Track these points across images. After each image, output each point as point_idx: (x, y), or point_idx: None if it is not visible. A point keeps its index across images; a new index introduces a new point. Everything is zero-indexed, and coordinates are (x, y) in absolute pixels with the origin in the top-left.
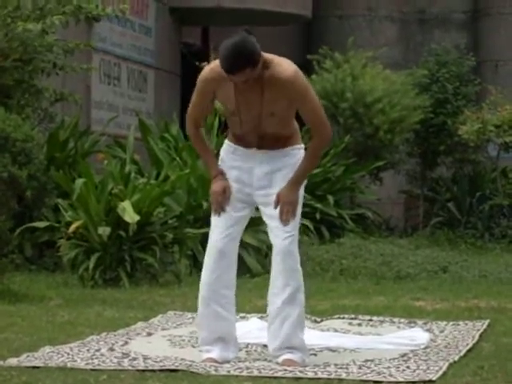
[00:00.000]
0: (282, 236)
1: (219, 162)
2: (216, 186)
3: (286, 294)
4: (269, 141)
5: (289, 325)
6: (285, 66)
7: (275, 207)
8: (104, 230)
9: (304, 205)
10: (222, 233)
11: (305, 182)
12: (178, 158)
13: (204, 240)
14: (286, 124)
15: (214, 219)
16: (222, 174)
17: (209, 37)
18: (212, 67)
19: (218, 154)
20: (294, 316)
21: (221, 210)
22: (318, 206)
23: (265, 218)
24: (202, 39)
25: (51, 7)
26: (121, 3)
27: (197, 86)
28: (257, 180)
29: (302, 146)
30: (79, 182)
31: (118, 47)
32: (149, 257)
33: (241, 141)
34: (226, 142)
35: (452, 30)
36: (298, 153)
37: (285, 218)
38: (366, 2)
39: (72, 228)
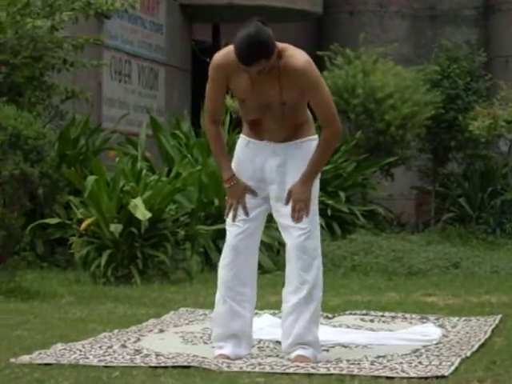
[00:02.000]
0: (296, 233)
1: (234, 158)
2: (235, 191)
3: (304, 292)
4: (281, 130)
5: (303, 321)
6: (298, 56)
7: (286, 203)
8: (116, 227)
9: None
10: (237, 230)
11: (319, 176)
12: (189, 155)
13: (216, 237)
14: (299, 113)
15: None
16: (234, 176)
17: (220, 34)
18: (224, 53)
19: (229, 151)
20: (309, 312)
21: (236, 216)
22: (330, 202)
23: (276, 215)
24: (213, 36)
25: (60, 3)
26: None
27: (209, 74)
28: (269, 173)
29: (316, 137)
30: (91, 179)
31: (128, 44)
32: (160, 254)
33: (253, 131)
34: (241, 135)
35: (463, 25)
36: (310, 144)
37: (296, 216)
38: None
39: (84, 225)
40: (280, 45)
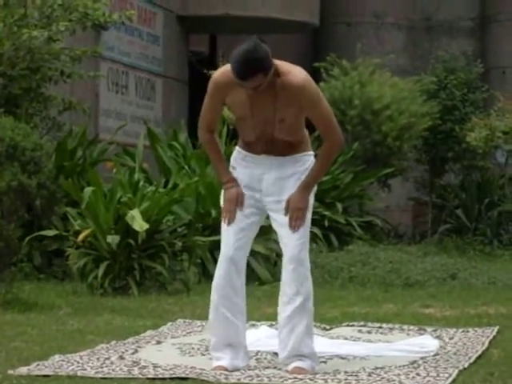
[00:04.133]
0: (293, 244)
1: (230, 168)
2: (229, 194)
3: (297, 302)
4: (278, 147)
5: (298, 333)
6: (296, 73)
7: (285, 214)
8: (113, 239)
9: (313, 212)
10: (232, 239)
11: (315, 188)
12: (186, 166)
13: (213, 248)
14: (296, 130)
15: (224, 226)
16: (233, 180)
17: (217, 45)
18: (223, 71)
19: (227, 161)
20: (303, 324)
21: (231, 219)
22: (327, 213)
23: (274, 225)
24: (210, 47)
25: (57, 15)
26: (128, 11)
27: (208, 90)
28: (266, 186)
29: (312, 153)
30: (88, 190)
31: (125, 56)
32: (158, 265)
33: (250, 146)
34: (237, 148)
35: (459, 36)
36: (308, 159)
37: (294, 225)
38: (373, 9)
39: (81, 237)
40: (277, 62)
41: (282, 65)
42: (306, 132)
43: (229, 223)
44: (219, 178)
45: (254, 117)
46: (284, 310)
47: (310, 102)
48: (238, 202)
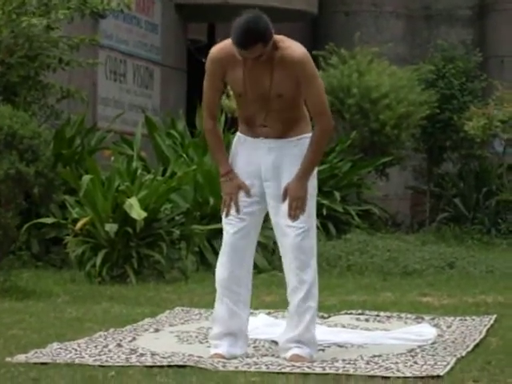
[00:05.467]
0: (293, 233)
1: (230, 156)
2: (228, 187)
3: (303, 291)
4: (277, 124)
5: (305, 322)
6: (295, 48)
7: (282, 201)
8: (111, 227)
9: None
10: (232, 228)
11: (315, 175)
12: (184, 155)
13: (211, 236)
14: (294, 107)
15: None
16: (231, 172)
17: (215, 33)
18: (221, 47)
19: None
20: (309, 312)
21: (230, 213)
22: (325, 202)
23: (272, 213)
24: (209, 36)
25: (56, 3)
26: None
27: (206, 69)
28: (265, 170)
29: (311, 134)
30: (86, 178)
31: (124, 44)
32: (156, 253)
33: (249, 125)
34: (237, 133)
35: (458, 25)
36: (306, 141)
37: (293, 214)
38: None
39: (79, 225)
40: (277, 36)
41: (281, 39)
42: (306, 113)
43: (226, 216)
44: (219, 167)
45: (252, 92)
46: (292, 299)
47: (306, 77)
48: (238, 192)
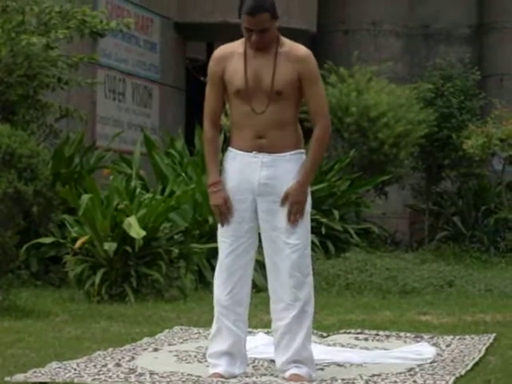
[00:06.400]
0: (289, 250)
1: (222, 172)
2: (216, 199)
3: (296, 309)
4: (270, 133)
5: (299, 339)
6: (301, 46)
7: (281, 204)
8: (110, 246)
9: (310, 219)
10: (229, 247)
11: (310, 194)
12: (183, 174)
13: (210, 255)
14: (290, 107)
15: (220, 234)
16: (219, 184)
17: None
18: (222, 46)
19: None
20: (303, 331)
21: (227, 220)
22: (324, 220)
23: (265, 228)
24: (208, 55)
25: (55, 22)
26: (125, 18)
27: (208, 73)
28: (258, 186)
29: (304, 150)
30: (85, 197)
31: (123, 63)
32: (154, 272)
33: (242, 132)
34: (229, 148)
35: (456, 44)
36: (299, 157)
37: (293, 219)
38: (370, 16)
39: (78, 243)
40: (283, 37)
41: (286, 39)
42: (300, 130)
43: (227, 223)
44: (207, 175)
45: (251, 85)
46: (283, 317)
47: (310, 75)
48: (227, 205)
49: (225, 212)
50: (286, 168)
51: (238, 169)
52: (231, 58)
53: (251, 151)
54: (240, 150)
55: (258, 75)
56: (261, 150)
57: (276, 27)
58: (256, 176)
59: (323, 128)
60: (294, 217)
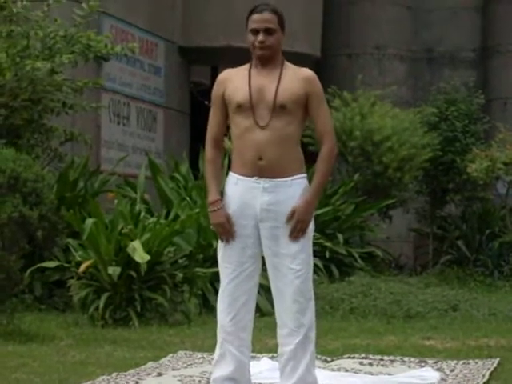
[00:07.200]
0: (292, 275)
1: (223, 196)
2: (217, 217)
3: (301, 335)
4: (272, 154)
5: (304, 365)
6: (306, 69)
7: (287, 222)
8: (114, 270)
9: (314, 243)
10: (232, 273)
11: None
12: (187, 198)
13: (214, 279)
14: (293, 123)
15: (222, 259)
16: (219, 203)
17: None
18: (225, 71)
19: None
20: (308, 355)
21: (232, 236)
22: (328, 244)
23: (268, 253)
24: (212, 78)
25: (60, 46)
26: (130, 42)
27: (212, 96)
28: (260, 211)
29: (305, 175)
30: (89, 221)
31: (127, 87)
32: (159, 296)
33: (243, 154)
34: (230, 173)
35: (461, 68)
36: (301, 182)
37: (295, 236)
38: (374, 40)
39: (82, 268)
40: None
41: (290, 64)
42: (301, 152)
43: (232, 239)
44: (207, 193)
45: (254, 100)
46: (287, 342)
47: (317, 94)
48: (229, 224)
49: (228, 228)
50: (287, 193)
51: (239, 194)
52: (234, 78)
53: (252, 176)
54: (241, 175)
55: (262, 89)
56: (262, 174)
57: (281, 43)
58: (258, 201)
59: (331, 145)
60: (296, 234)
